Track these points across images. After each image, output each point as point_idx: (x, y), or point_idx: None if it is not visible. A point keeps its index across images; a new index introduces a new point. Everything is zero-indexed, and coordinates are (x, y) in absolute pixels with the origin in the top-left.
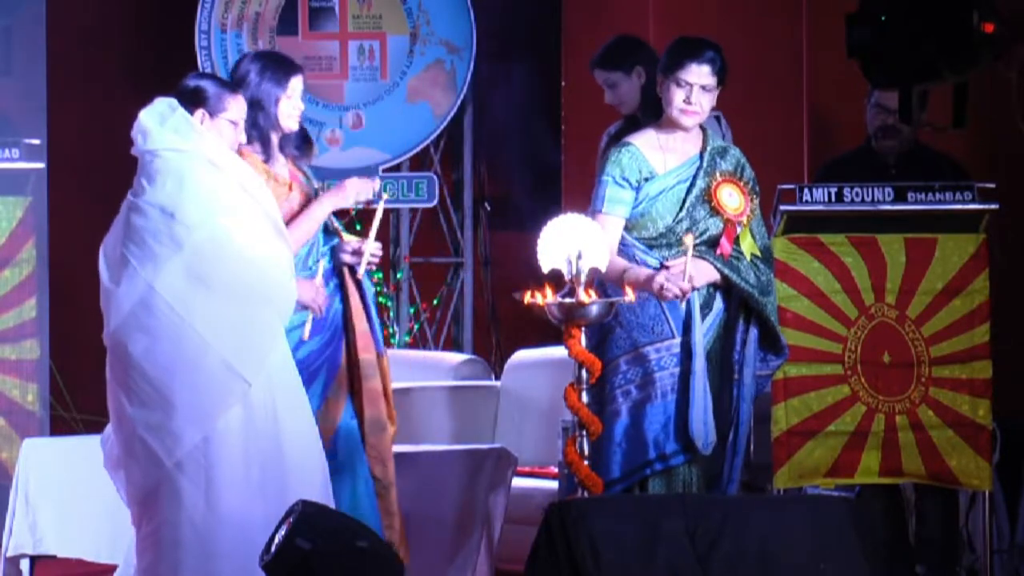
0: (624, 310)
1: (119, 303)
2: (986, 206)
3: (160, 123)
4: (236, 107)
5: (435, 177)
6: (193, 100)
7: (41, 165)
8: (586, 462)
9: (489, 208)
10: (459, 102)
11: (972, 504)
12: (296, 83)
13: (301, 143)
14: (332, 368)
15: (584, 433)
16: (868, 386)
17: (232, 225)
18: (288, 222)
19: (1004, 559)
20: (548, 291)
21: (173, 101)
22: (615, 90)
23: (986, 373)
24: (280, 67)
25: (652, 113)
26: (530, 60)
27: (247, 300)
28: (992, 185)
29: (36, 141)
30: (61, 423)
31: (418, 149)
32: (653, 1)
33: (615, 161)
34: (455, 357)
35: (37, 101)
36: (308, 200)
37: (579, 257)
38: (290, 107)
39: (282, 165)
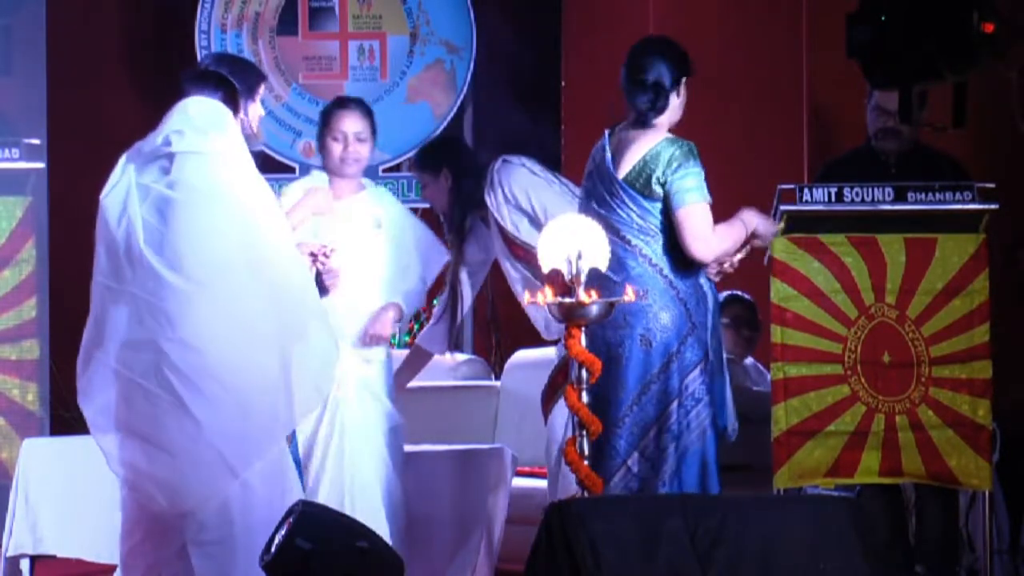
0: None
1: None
2: (986, 206)
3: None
4: None
5: None
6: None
7: (41, 165)
8: (586, 462)
9: None
10: (459, 102)
11: (972, 504)
12: (262, 88)
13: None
14: None
15: (584, 433)
16: (868, 386)
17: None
18: None
19: (1004, 559)
20: (548, 291)
21: None
22: (424, 190)
23: (986, 373)
24: (249, 72)
25: (460, 214)
26: (530, 60)
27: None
28: (992, 185)
29: (36, 141)
30: (61, 423)
31: (418, 149)
32: (653, 1)
33: (695, 152)
34: (455, 357)
35: (37, 101)
36: None
37: (579, 257)
38: (256, 111)
39: None
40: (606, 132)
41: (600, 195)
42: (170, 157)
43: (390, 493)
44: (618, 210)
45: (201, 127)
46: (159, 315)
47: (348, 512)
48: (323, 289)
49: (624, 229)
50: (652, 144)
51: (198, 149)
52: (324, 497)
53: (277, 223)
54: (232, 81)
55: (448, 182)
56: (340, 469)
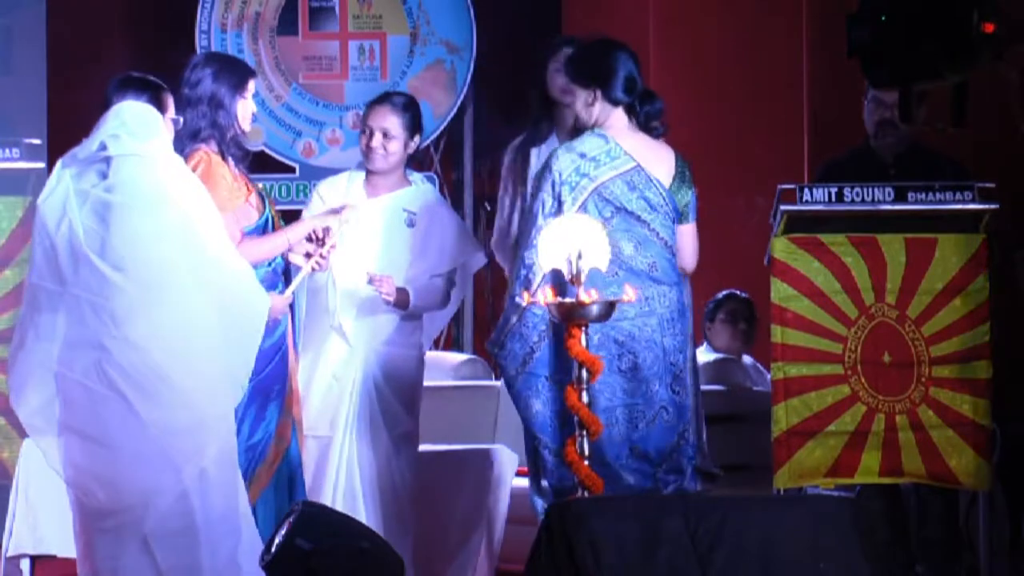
0: None
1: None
2: (986, 206)
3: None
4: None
5: (435, 177)
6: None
7: (41, 165)
8: (586, 462)
9: (489, 208)
10: (459, 102)
11: (972, 504)
12: (252, 85)
13: (243, 147)
14: (283, 389)
15: (584, 433)
16: (868, 386)
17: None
18: (260, 228)
19: (1004, 559)
20: (548, 291)
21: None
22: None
23: (986, 373)
24: (237, 68)
25: None
26: (530, 60)
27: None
28: (992, 185)
29: (36, 141)
30: None
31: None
32: (653, 2)
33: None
34: (455, 357)
35: (37, 101)
36: (263, 200)
37: (579, 257)
38: (246, 108)
39: (233, 165)
40: (608, 136)
41: (637, 204)
42: (107, 161)
43: (396, 493)
44: (660, 218)
45: (135, 131)
46: (103, 314)
47: (355, 509)
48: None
49: (666, 235)
50: (671, 156)
51: (134, 152)
52: (333, 491)
53: (215, 223)
54: (158, 83)
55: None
56: (351, 467)
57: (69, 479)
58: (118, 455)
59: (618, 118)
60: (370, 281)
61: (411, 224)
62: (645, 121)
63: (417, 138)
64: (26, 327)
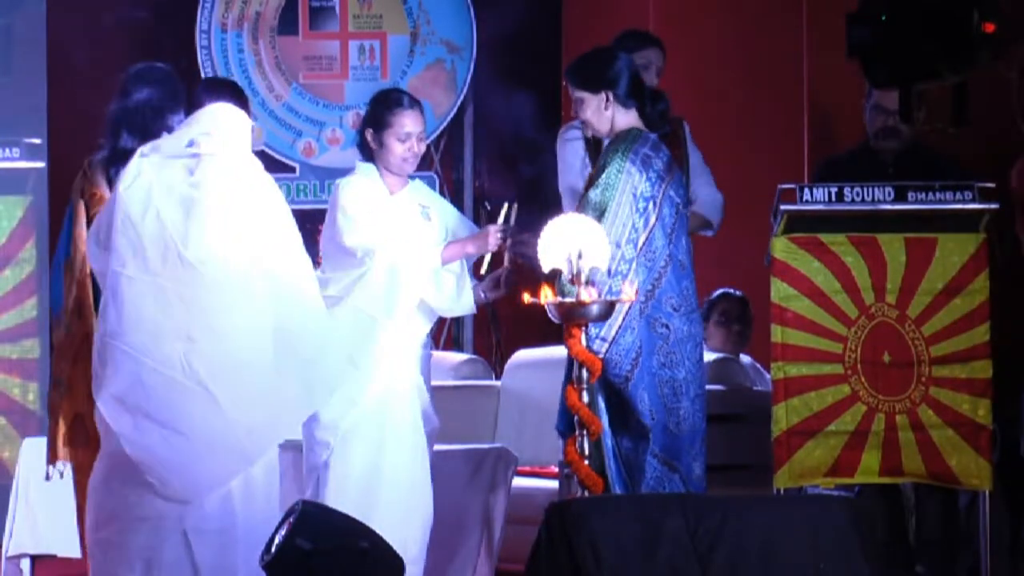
0: None
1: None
2: (986, 206)
3: None
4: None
5: (435, 177)
6: None
7: (41, 164)
8: (586, 462)
9: (489, 208)
10: (459, 102)
11: (972, 504)
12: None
13: None
14: None
15: (584, 433)
16: (868, 386)
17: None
18: None
19: (1004, 559)
20: (548, 291)
21: None
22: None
23: (986, 373)
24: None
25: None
26: (530, 60)
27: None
28: (992, 185)
29: (36, 140)
30: None
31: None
32: (653, 1)
33: None
34: (455, 357)
35: (37, 101)
36: None
37: (579, 256)
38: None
39: None
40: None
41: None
42: (195, 157)
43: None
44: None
45: (227, 133)
46: (192, 306)
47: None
48: None
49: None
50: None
51: (224, 153)
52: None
53: (292, 231)
54: (244, 91)
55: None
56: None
57: (143, 464)
58: (195, 445)
59: (633, 120)
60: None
61: (428, 217)
62: (655, 120)
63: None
64: (109, 314)
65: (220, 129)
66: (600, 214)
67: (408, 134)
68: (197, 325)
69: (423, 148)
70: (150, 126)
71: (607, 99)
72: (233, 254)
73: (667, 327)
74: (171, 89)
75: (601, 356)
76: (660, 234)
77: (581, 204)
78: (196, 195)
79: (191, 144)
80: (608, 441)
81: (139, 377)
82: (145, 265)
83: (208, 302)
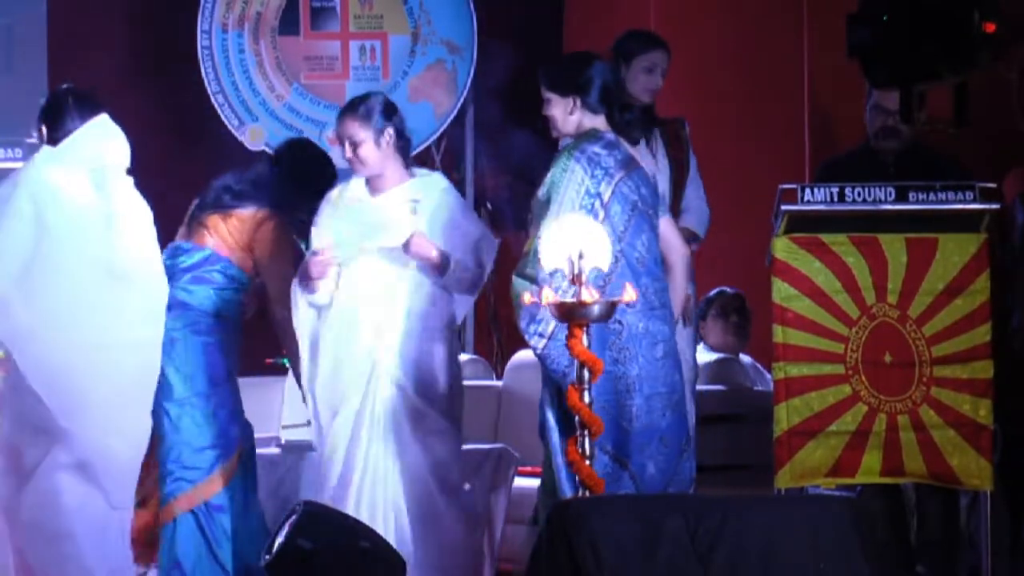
0: None
1: None
2: (987, 206)
3: None
4: None
5: None
6: None
7: None
8: (587, 462)
9: (490, 208)
10: (460, 102)
11: (973, 504)
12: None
13: None
14: None
15: (585, 433)
16: (869, 386)
17: None
18: None
19: (1005, 559)
20: (548, 291)
21: None
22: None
23: (987, 373)
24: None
25: None
26: (530, 60)
27: None
28: (993, 185)
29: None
30: None
31: (419, 149)
32: (653, 1)
33: None
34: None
35: (38, 100)
36: None
37: (580, 257)
38: None
39: None
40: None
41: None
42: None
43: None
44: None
45: None
46: None
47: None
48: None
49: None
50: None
51: None
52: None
53: None
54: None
55: None
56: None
57: None
58: None
59: (600, 123)
60: (406, 248)
61: (415, 212)
62: (623, 129)
63: (389, 128)
64: None
65: None
66: (545, 211)
67: (340, 140)
68: None
69: (364, 149)
70: None
71: (574, 103)
72: None
73: (620, 323)
74: None
75: (538, 352)
76: (608, 231)
77: (532, 203)
78: None
79: None
80: (554, 436)
81: None
82: None
83: None
